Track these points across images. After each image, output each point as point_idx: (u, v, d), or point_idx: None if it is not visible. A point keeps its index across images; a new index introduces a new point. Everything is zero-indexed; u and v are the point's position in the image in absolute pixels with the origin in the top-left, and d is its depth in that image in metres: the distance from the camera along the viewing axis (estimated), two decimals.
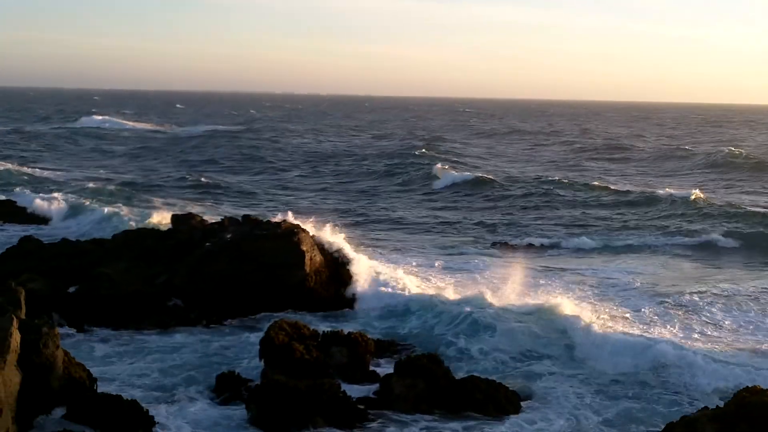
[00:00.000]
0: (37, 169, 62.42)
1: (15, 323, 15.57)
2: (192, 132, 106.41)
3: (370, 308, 25.10)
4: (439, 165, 63.90)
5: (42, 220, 40.29)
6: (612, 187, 54.40)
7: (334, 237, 27.94)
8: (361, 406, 17.17)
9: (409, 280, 26.88)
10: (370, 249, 31.67)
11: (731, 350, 21.09)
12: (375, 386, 18.37)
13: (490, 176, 58.65)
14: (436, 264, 31.22)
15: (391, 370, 18.25)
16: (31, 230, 36.24)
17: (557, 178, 59.92)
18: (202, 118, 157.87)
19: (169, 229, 28.77)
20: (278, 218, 29.48)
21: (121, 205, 41.72)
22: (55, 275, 24.90)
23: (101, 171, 65.04)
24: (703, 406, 16.60)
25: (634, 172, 69.51)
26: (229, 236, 26.31)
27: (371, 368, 19.67)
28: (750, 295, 26.97)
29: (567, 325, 21.90)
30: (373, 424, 16.74)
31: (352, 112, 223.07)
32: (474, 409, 17.36)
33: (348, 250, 27.43)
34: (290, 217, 29.51)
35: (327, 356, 19.34)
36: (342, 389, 17.04)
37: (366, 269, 26.88)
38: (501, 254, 34.61)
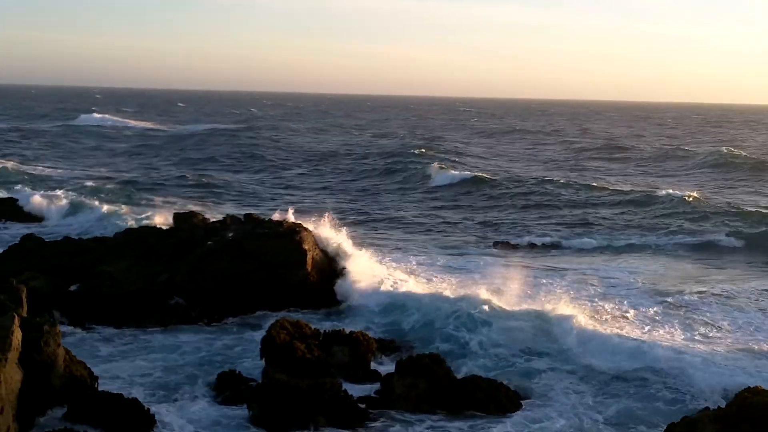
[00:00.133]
0: (35, 167, 62.35)
1: (16, 321, 15.59)
2: (192, 130, 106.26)
3: (370, 306, 25.06)
4: (437, 164, 63.89)
5: (41, 218, 40.21)
6: (613, 187, 54.40)
7: (334, 236, 27.92)
8: (363, 406, 17.17)
9: (409, 279, 26.86)
10: (370, 248, 31.60)
11: (731, 351, 21.08)
12: (376, 385, 18.39)
13: (490, 176, 58.63)
14: (437, 263, 31.23)
15: (393, 370, 18.24)
16: (29, 228, 36.15)
17: (558, 177, 59.90)
18: (203, 116, 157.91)
19: (170, 228, 28.75)
20: (276, 216, 29.45)
21: (120, 204, 41.70)
22: (56, 273, 24.91)
23: (100, 169, 64.99)
24: (704, 406, 16.63)
25: (635, 172, 69.47)
26: (231, 235, 26.31)
27: (373, 367, 19.67)
28: (751, 296, 26.96)
29: (566, 324, 21.87)
30: (378, 424, 16.75)
31: (353, 111, 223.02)
32: (475, 409, 17.37)
33: (348, 248, 27.40)
34: (290, 216, 29.49)
35: (328, 355, 19.34)
36: (343, 388, 17.04)
37: (366, 268, 26.85)
38: (502, 254, 34.61)
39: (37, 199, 41.92)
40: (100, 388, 17.00)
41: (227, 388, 18.09)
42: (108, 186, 50.73)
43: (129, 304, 23.58)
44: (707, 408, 15.84)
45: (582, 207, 46.85)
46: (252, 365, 19.58)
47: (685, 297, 26.31)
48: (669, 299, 26.10)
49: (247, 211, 32.64)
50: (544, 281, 28.45)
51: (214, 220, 29.94)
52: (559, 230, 40.34)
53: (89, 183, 50.95)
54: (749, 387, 15.38)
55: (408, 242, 36.80)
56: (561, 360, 20.38)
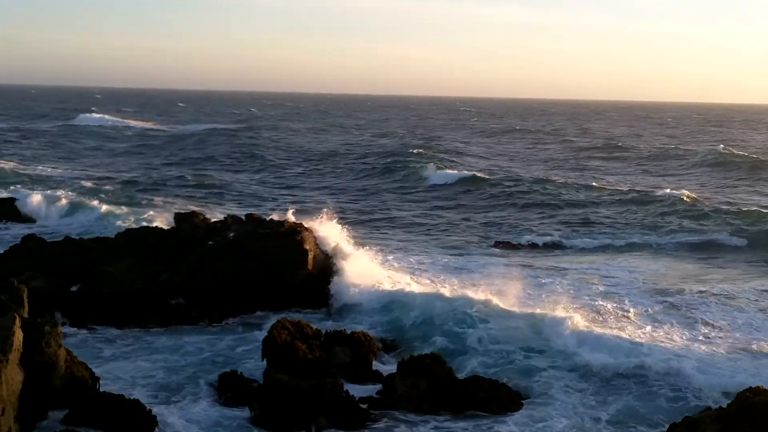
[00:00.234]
0: (34, 168, 62.24)
1: (17, 322, 15.57)
2: (192, 130, 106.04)
3: (369, 306, 25.01)
4: (436, 164, 63.89)
5: (39, 219, 40.08)
6: (613, 187, 54.43)
7: (332, 235, 27.90)
8: (365, 406, 17.16)
9: (409, 279, 26.84)
10: (370, 247, 31.60)
11: (732, 351, 21.10)
12: (378, 386, 18.38)
13: (490, 175, 58.63)
14: (438, 263, 31.23)
15: (394, 370, 18.23)
16: (30, 229, 36.11)
17: (558, 177, 59.92)
18: (203, 116, 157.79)
19: (171, 228, 28.75)
20: (275, 215, 29.39)
21: (120, 204, 41.64)
22: (57, 273, 24.90)
23: (100, 169, 64.94)
24: (705, 406, 16.63)
25: (635, 171, 69.50)
26: (231, 235, 26.29)
27: (374, 368, 19.66)
28: (751, 296, 26.97)
29: (565, 325, 21.87)
30: (381, 424, 16.75)
31: (353, 111, 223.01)
32: (477, 409, 17.39)
33: (347, 248, 27.38)
34: (290, 216, 29.45)
35: (330, 356, 19.33)
36: (345, 389, 17.03)
37: (366, 268, 26.82)
38: (503, 253, 34.63)
39: (36, 200, 41.84)
40: (101, 389, 16.99)
41: (228, 388, 18.08)
42: (107, 186, 50.67)
43: (130, 305, 23.57)
44: (708, 408, 15.85)
45: (582, 206, 46.85)
46: (253, 366, 19.57)
47: (686, 296, 26.32)
48: (670, 299, 26.13)
49: (247, 211, 32.59)
50: (545, 281, 28.46)
51: (215, 220, 29.92)
52: (560, 230, 40.34)
53: (88, 183, 50.87)
54: (750, 387, 15.39)
55: (408, 242, 36.80)
56: (560, 358, 20.35)
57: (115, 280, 24.36)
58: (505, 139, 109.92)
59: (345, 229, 28.87)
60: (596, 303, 25.20)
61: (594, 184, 55.10)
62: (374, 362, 19.95)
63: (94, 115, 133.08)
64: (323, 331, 20.32)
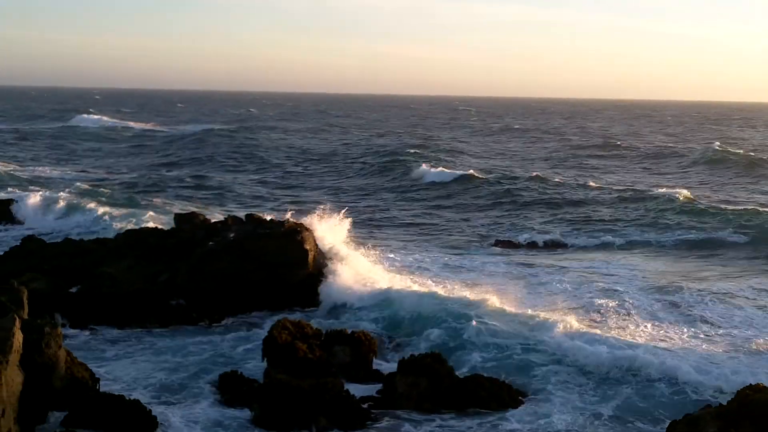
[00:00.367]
0: (30, 169, 62.11)
1: (17, 323, 15.56)
2: (191, 131, 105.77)
3: (366, 305, 24.95)
4: (433, 164, 63.87)
5: (36, 220, 39.88)
6: (612, 185, 54.43)
7: (331, 235, 27.88)
8: (365, 405, 17.16)
9: (407, 278, 26.81)
10: (368, 247, 31.62)
11: (732, 348, 21.13)
12: (378, 385, 18.38)
13: (489, 174, 58.61)
14: (437, 262, 31.24)
15: (395, 369, 18.22)
16: (26, 231, 36.06)
17: (557, 175, 59.94)
18: (202, 116, 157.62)
19: (171, 228, 28.72)
20: (270, 215, 29.40)
21: (117, 205, 41.55)
22: (57, 275, 24.91)
23: (97, 170, 64.87)
24: (705, 403, 16.63)
25: (634, 170, 69.52)
26: (232, 235, 26.28)
27: (374, 367, 19.66)
28: (751, 293, 27.01)
29: (562, 324, 21.90)
30: (385, 423, 16.75)
31: (353, 110, 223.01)
32: (478, 407, 17.41)
33: (343, 247, 27.34)
34: (289, 216, 29.44)
35: (330, 355, 19.33)
36: (345, 388, 17.03)
37: (364, 267, 26.81)
38: (503, 252, 34.65)
39: (32, 201, 41.76)
40: (102, 390, 16.99)
41: (229, 388, 18.08)
42: (103, 188, 50.58)
43: (130, 305, 23.58)
44: (708, 405, 15.85)
45: (582, 205, 46.83)
46: (253, 366, 19.58)
47: (685, 294, 26.34)
48: (669, 296, 26.16)
49: (246, 212, 32.51)
50: (545, 279, 28.52)
51: (215, 220, 29.90)
52: (559, 228, 40.34)
53: (85, 184, 50.59)
54: (750, 384, 15.42)
55: (408, 241, 36.81)
56: (558, 356, 20.26)
57: (115, 281, 24.37)
58: (504, 138, 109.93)
59: (343, 229, 28.86)
60: (596, 301, 25.23)
61: (593, 182, 55.05)
62: (374, 362, 19.94)
63: (93, 116, 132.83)
64: (323, 331, 20.33)
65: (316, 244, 26.26)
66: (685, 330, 22.65)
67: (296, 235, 25.59)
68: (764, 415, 14.31)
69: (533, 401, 18.05)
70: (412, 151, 74.88)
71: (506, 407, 17.49)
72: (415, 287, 25.51)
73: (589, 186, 53.05)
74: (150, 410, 16.10)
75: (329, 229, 28.16)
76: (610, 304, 24.89)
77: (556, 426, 16.84)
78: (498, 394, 17.74)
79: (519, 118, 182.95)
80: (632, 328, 22.72)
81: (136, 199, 45.58)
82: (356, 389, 17.72)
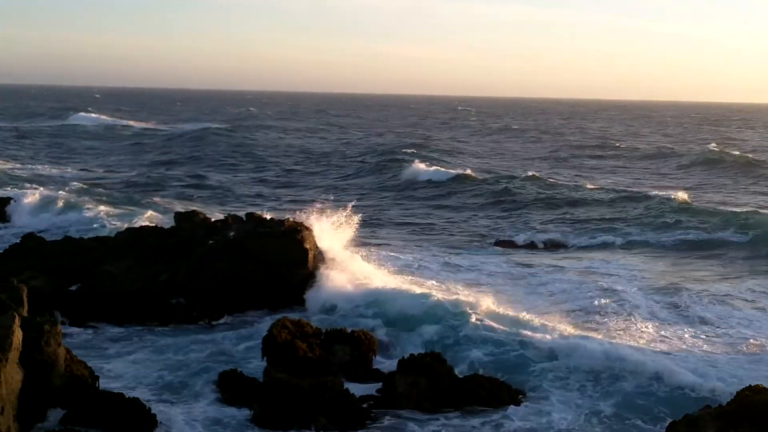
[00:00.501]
0: (27, 167, 61.96)
1: (17, 321, 15.55)
2: (189, 129, 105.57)
3: (366, 306, 24.88)
4: (432, 164, 63.88)
5: (32, 219, 39.66)
6: (612, 185, 54.47)
7: (327, 235, 27.88)
8: (365, 405, 17.16)
9: (406, 278, 26.78)
10: (366, 246, 31.68)
11: (731, 349, 21.18)
12: (378, 384, 18.37)
13: (488, 174, 58.64)
14: (436, 262, 31.24)
15: (395, 368, 18.22)
16: (16, 228, 36.03)
17: (556, 175, 59.98)
18: (201, 115, 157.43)
19: (171, 227, 28.69)
20: (269, 214, 29.33)
21: (114, 204, 41.48)
22: (57, 273, 24.91)
23: (94, 169, 64.82)
24: (704, 404, 16.63)
25: (634, 170, 69.58)
26: (232, 234, 26.26)
27: (374, 366, 19.66)
28: (749, 295, 27.07)
29: (561, 325, 21.90)
30: (388, 422, 16.75)
31: (352, 110, 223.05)
32: (478, 406, 17.43)
33: (338, 247, 27.30)
34: (288, 215, 29.43)
35: (330, 354, 19.33)
36: (345, 387, 17.03)
37: (362, 268, 26.79)
38: (503, 252, 34.66)
39: (30, 200, 41.65)
40: (103, 388, 16.98)
41: (229, 387, 18.07)
42: (103, 186, 50.56)
43: (130, 304, 23.57)
44: (708, 406, 15.85)
45: (581, 205, 46.83)
46: (253, 365, 19.57)
47: (684, 295, 26.39)
48: (668, 297, 26.20)
49: (244, 211, 32.48)
50: (545, 280, 28.54)
51: (215, 219, 29.89)
52: (559, 228, 40.37)
53: (84, 183, 50.48)
54: (750, 385, 15.41)
55: (408, 241, 36.80)
56: (556, 356, 20.20)
57: (116, 280, 24.36)
58: (504, 138, 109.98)
59: (340, 229, 28.85)
60: (595, 301, 25.26)
61: (592, 182, 55.09)
62: (374, 361, 19.94)
63: (92, 114, 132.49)
64: (323, 330, 20.33)
65: (316, 244, 26.23)
66: (684, 330, 22.69)
67: (296, 234, 25.57)
68: (764, 416, 14.32)
69: (533, 400, 18.07)
70: (412, 150, 74.87)
71: (506, 406, 17.50)
72: (413, 287, 25.46)
73: (589, 186, 53.06)
74: (149, 408, 16.09)
75: (329, 229, 28.10)
76: (610, 304, 24.91)
77: (558, 425, 16.89)
78: (497, 394, 17.76)
79: (519, 118, 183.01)
80: (631, 328, 22.75)
81: (135, 198, 45.53)
82: (356, 388, 17.71)
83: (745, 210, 42.04)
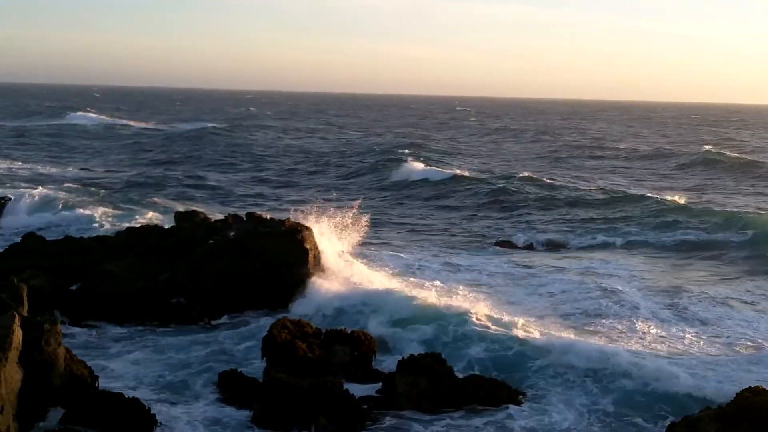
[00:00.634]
0: (25, 167, 61.81)
1: (17, 320, 15.55)
2: (189, 129, 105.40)
3: (364, 306, 24.83)
4: (431, 164, 63.86)
5: (29, 218, 39.57)
6: (611, 186, 54.47)
7: (324, 235, 27.87)
8: (365, 406, 17.15)
9: (404, 279, 26.76)
10: (367, 247, 31.68)
11: (730, 351, 21.19)
12: (378, 385, 18.37)
13: (489, 175, 58.62)
14: (437, 262, 31.25)
15: (395, 369, 18.21)
16: (14, 228, 35.99)
17: (555, 176, 59.95)
18: (201, 115, 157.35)
19: (172, 227, 28.69)
20: (268, 214, 29.34)
21: (112, 204, 41.45)
22: (57, 272, 24.91)
23: (92, 168, 64.74)
24: (703, 405, 16.65)
25: (634, 170, 69.58)
26: (232, 234, 26.25)
27: (374, 366, 19.66)
28: (749, 296, 27.11)
29: (560, 325, 21.87)
30: (391, 422, 16.75)
31: (352, 110, 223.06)
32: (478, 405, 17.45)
33: (332, 247, 27.29)
34: (288, 215, 29.40)
35: (330, 354, 19.33)
36: (345, 388, 17.03)
37: (360, 271, 26.79)
38: (503, 252, 34.67)
39: (28, 199, 41.58)
40: (103, 388, 16.98)
41: (229, 387, 18.07)
42: (102, 185, 50.50)
43: (130, 304, 23.56)
44: (708, 407, 15.87)
45: (581, 205, 46.84)
46: (254, 365, 19.58)
47: (684, 295, 26.49)
48: (667, 297, 26.29)
49: (240, 210, 32.48)
50: (545, 280, 28.57)
51: (216, 219, 29.89)
52: (559, 228, 40.39)
53: (83, 183, 50.48)
54: (750, 387, 15.43)
55: (408, 241, 36.80)
56: (555, 356, 20.15)
57: (116, 279, 24.36)
58: (503, 138, 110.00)
59: (338, 229, 28.84)
60: (594, 301, 25.31)
61: (592, 183, 55.09)
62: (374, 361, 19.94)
63: (91, 114, 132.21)
64: (323, 330, 20.33)
65: (317, 244, 26.22)
66: (684, 331, 22.70)
67: (297, 234, 25.55)
68: (763, 417, 14.34)
69: (533, 400, 18.09)
70: (411, 150, 74.83)
71: (507, 406, 17.52)
72: (410, 288, 25.44)
73: (588, 186, 53.08)
74: (149, 408, 16.08)
75: (329, 232, 28.07)
76: (609, 305, 24.94)
77: (560, 425, 16.92)
78: (497, 394, 17.77)
79: (518, 118, 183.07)
80: (631, 328, 22.77)
81: (135, 198, 45.47)
82: (356, 389, 17.71)
83: (744, 210, 42.05)
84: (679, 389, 18.14)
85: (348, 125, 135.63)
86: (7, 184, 48.36)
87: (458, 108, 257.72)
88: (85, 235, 29.73)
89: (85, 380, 16.78)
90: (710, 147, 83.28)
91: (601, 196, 48.90)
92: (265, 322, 21.99)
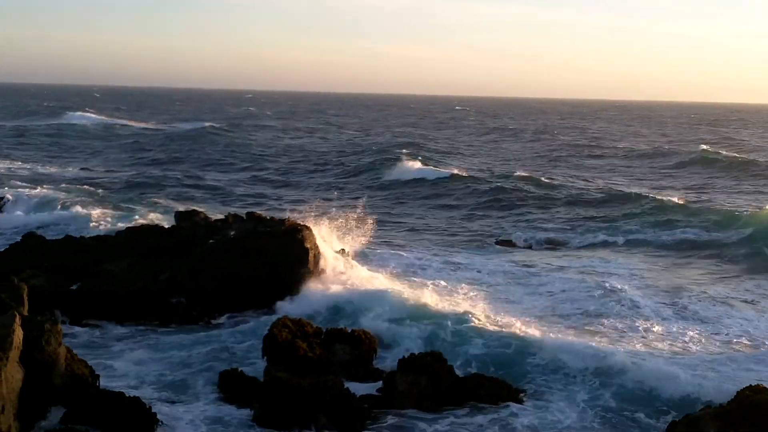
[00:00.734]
0: (24, 166, 61.77)
1: (17, 320, 15.55)
2: (188, 129, 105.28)
3: (363, 306, 24.80)
4: (431, 163, 63.81)
5: (26, 218, 39.48)
6: (611, 185, 54.47)
7: (327, 234, 27.86)
8: (366, 405, 17.15)
9: (401, 280, 26.76)
10: (367, 246, 31.66)
11: (730, 349, 21.22)
12: (379, 384, 18.36)
13: (488, 174, 58.61)
14: (437, 261, 31.25)
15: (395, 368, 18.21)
16: (12, 228, 35.99)
17: (557, 175, 59.95)
18: (201, 114, 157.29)
19: (172, 226, 28.69)
20: (260, 213, 29.33)
21: (110, 204, 41.41)
22: (57, 272, 24.91)
23: (91, 168, 64.65)
24: (704, 404, 16.65)
25: (634, 170, 69.58)
26: (232, 233, 26.25)
27: (375, 365, 19.66)
28: (748, 295, 27.14)
29: (559, 325, 21.85)
30: (393, 421, 16.74)
31: (352, 109, 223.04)
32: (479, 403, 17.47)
33: (328, 247, 27.31)
34: (288, 215, 29.43)
35: (330, 353, 19.33)
36: (345, 387, 17.02)
37: (360, 268, 26.78)
38: (503, 252, 34.67)
39: (26, 199, 41.56)
40: (104, 387, 16.98)
41: (229, 387, 18.07)
42: (101, 185, 50.43)
43: (130, 303, 23.56)
44: (708, 406, 15.88)
45: (581, 205, 46.85)
46: (254, 364, 19.57)
47: (684, 294, 26.57)
48: (667, 296, 26.34)
49: (239, 209, 32.45)
50: (545, 279, 28.58)
51: (216, 218, 29.89)
52: (559, 228, 40.39)
53: (80, 183, 50.31)
54: (750, 385, 15.45)
55: (408, 240, 36.79)
56: (554, 356, 20.09)
57: (116, 279, 24.36)
58: (503, 138, 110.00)
59: (339, 228, 28.81)
60: (594, 301, 25.34)
61: (591, 182, 55.07)
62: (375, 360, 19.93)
63: (91, 114, 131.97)
64: (324, 329, 20.32)
65: (317, 243, 26.22)
66: (684, 330, 22.74)
67: (297, 233, 25.53)
68: (764, 415, 14.35)
69: (535, 398, 18.09)
70: (411, 150, 74.84)
71: (508, 404, 17.56)
72: (411, 287, 25.45)
73: (589, 186, 53.06)
74: (150, 407, 16.09)
75: (321, 229, 28.04)
76: (609, 304, 24.98)
77: (563, 423, 16.94)
78: (498, 393, 17.77)
79: (518, 118, 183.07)
80: (631, 327, 22.81)
81: (135, 198, 45.44)
82: (357, 388, 17.70)
83: (744, 210, 42.05)
84: (679, 388, 18.14)
85: (347, 125, 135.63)
86: (8, 184, 48.33)
87: (458, 108, 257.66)
88: (85, 235, 29.75)
89: (86, 379, 16.79)
90: (708, 146, 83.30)
91: (600, 195, 48.90)
92: (266, 321, 21.99)
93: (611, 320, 23.40)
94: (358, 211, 30.08)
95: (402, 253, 32.63)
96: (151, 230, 28.04)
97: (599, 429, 16.85)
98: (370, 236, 32.19)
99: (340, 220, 29.08)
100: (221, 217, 29.38)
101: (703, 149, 78.75)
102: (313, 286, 24.77)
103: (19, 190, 44.67)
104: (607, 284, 27.34)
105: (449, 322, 21.56)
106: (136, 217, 36.60)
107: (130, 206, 40.83)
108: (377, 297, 23.89)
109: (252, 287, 24.59)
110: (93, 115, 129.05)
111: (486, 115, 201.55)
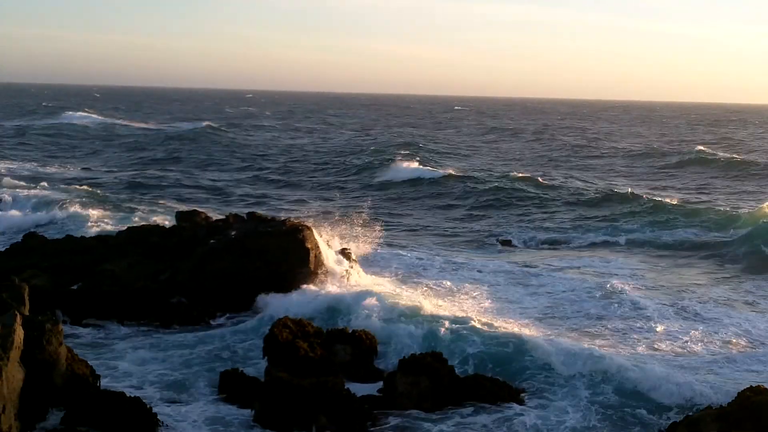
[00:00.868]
0: (23, 166, 61.69)
1: (18, 320, 15.54)
2: (187, 129, 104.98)
3: (363, 305, 24.74)
4: (431, 164, 63.81)
5: (25, 218, 39.34)
6: (611, 185, 54.47)
7: (328, 234, 27.85)
8: (366, 405, 17.15)
9: (400, 280, 26.75)
10: (367, 247, 31.66)
11: (729, 349, 21.19)
12: (380, 384, 18.35)
13: (489, 174, 58.59)
14: (437, 262, 31.24)
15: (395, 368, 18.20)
16: (11, 228, 35.98)
17: (557, 175, 59.95)
18: (199, 114, 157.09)
19: (173, 226, 28.70)
20: (261, 213, 29.31)
21: (109, 204, 41.36)
22: (58, 272, 24.90)
23: (91, 168, 64.65)
24: (705, 404, 16.65)
25: (634, 170, 69.59)
26: (233, 233, 26.24)
27: (375, 366, 19.65)
28: (749, 296, 27.13)
29: (559, 325, 21.84)
30: (397, 421, 16.74)
31: (351, 109, 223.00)
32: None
33: (326, 247, 27.29)
34: (289, 215, 29.44)
35: (331, 354, 19.32)
36: (346, 387, 17.02)
37: (360, 268, 26.76)
38: (503, 252, 34.67)
39: (23, 199, 41.51)
40: (105, 387, 16.98)
41: (230, 387, 18.06)
42: (100, 186, 50.42)
43: (131, 303, 23.55)
44: (709, 407, 15.88)
45: (581, 205, 46.85)
46: (254, 364, 19.58)
47: (684, 295, 26.61)
48: (667, 297, 26.35)
49: (238, 209, 32.43)
50: (545, 280, 28.57)
51: (217, 218, 29.88)
52: (559, 228, 40.39)
53: (80, 183, 50.25)
54: (751, 386, 15.44)
55: (408, 241, 36.78)
56: (553, 356, 20.01)
57: (117, 279, 24.35)
58: (503, 138, 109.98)
59: (335, 230, 28.79)
60: (594, 301, 25.35)
61: (591, 182, 55.06)
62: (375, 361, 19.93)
63: (91, 114, 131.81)
64: (324, 330, 20.31)
65: (318, 243, 26.21)
66: (684, 330, 22.75)
67: (298, 233, 25.53)
68: (765, 417, 14.34)
69: (536, 398, 18.08)
70: (411, 150, 74.84)
71: (510, 404, 17.56)
72: (411, 287, 25.45)
73: (588, 185, 53.05)
74: (150, 407, 16.08)
75: (320, 230, 28.02)
76: (609, 304, 24.98)
77: (566, 423, 16.91)
78: (498, 393, 17.76)
79: (517, 118, 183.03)
80: (631, 327, 22.80)
81: (134, 197, 45.43)
82: (357, 388, 17.70)
83: (744, 210, 42.07)
84: (679, 388, 18.12)
85: (347, 125, 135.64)
86: (6, 185, 48.26)
87: (457, 108, 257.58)
88: (85, 235, 29.74)
89: (87, 380, 16.77)
90: (711, 147, 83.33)
91: (600, 195, 48.89)
92: (266, 321, 21.99)
93: (611, 320, 23.42)
94: (359, 211, 30.15)
95: (403, 252, 32.63)
96: (152, 230, 28.03)
97: (600, 429, 16.84)
98: (372, 236, 32.23)
99: (341, 221, 29.07)
100: (222, 217, 29.39)
101: (705, 150, 78.77)
102: (313, 286, 24.75)
103: (19, 190, 44.64)
104: (607, 284, 27.35)
105: (449, 322, 21.50)
106: (136, 217, 36.58)
107: (130, 206, 40.81)
108: (382, 297, 23.81)
109: (252, 287, 24.58)
110: (93, 115, 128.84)
111: (485, 115, 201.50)
